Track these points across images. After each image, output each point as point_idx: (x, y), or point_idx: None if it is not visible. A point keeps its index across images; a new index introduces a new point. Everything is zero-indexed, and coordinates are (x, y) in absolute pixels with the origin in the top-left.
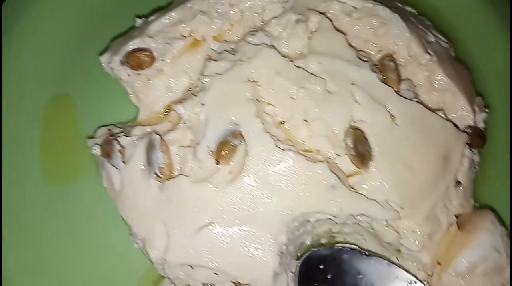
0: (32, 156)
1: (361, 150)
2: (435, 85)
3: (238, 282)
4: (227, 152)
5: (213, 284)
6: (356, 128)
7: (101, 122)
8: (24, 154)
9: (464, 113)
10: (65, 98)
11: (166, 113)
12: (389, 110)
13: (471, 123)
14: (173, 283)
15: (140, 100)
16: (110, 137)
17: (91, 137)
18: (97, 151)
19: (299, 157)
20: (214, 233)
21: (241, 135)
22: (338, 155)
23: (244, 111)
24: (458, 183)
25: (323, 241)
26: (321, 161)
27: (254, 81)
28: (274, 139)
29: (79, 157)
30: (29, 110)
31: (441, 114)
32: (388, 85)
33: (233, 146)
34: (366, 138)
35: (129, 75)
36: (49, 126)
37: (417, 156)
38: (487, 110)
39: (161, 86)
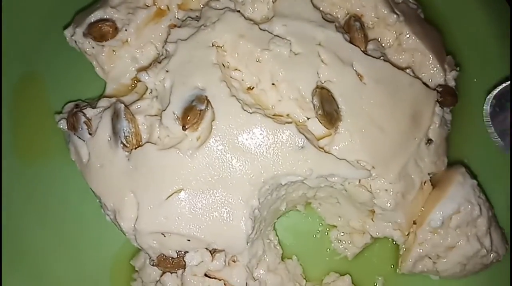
0: (5, 135)
1: (328, 109)
2: (404, 45)
3: (214, 249)
4: (193, 117)
5: (187, 252)
6: (323, 88)
7: (70, 98)
8: None
9: (434, 72)
10: (33, 76)
11: (134, 86)
12: (356, 70)
13: (442, 82)
14: (147, 254)
15: (106, 73)
16: (76, 110)
17: (59, 113)
18: (63, 125)
19: (266, 119)
20: (184, 200)
21: (207, 100)
22: (308, 118)
23: (209, 76)
24: (429, 140)
25: (299, 207)
26: (288, 122)
27: (219, 46)
28: (240, 103)
29: (49, 134)
30: None
31: (410, 73)
32: (354, 45)
33: (199, 111)
34: (333, 98)
35: (93, 47)
36: (18, 104)
37: (386, 114)
38: (457, 68)
39: (126, 58)
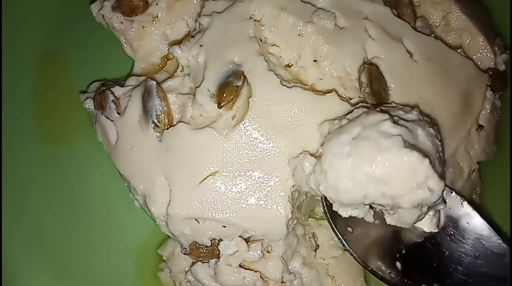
0: (26, 117)
1: (377, 87)
2: (452, 25)
3: (249, 238)
4: (229, 94)
5: (221, 240)
6: (371, 64)
7: (95, 78)
8: (18, 114)
9: (484, 54)
10: (56, 55)
11: (163, 65)
12: (406, 46)
13: (492, 65)
14: (179, 241)
15: (135, 50)
16: (103, 88)
17: (84, 92)
18: (89, 104)
19: (306, 93)
20: (220, 183)
21: (244, 76)
22: (350, 98)
23: (246, 50)
24: (480, 126)
25: None
26: (330, 92)
27: (257, 20)
28: (279, 77)
29: (72, 116)
30: (21, 70)
31: (461, 53)
32: (403, 20)
33: (235, 87)
34: (382, 75)
35: (121, 22)
36: (41, 85)
37: (437, 95)
38: (507, 51)
39: (156, 35)
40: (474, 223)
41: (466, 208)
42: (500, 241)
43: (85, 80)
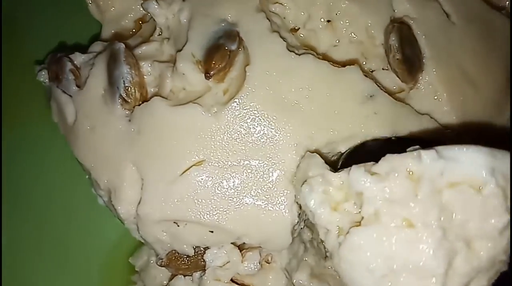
0: None
1: (409, 54)
2: None
3: (244, 245)
4: (220, 61)
5: (208, 248)
6: (402, 23)
7: (55, 48)
8: None
9: None
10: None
11: (137, 30)
12: (442, 5)
13: None
14: (154, 249)
15: (103, 11)
16: (60, 55)
17: (41, 63)
18: (44, 76)
19: (321, 63)
20: (206, 175)
21: (239, 37)
22: (372, 70)
23: (242, 6)
24: None
25: None
26: (350, 64)
27: None
28: (286, 42)
29: (27, 93)
30: None
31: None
32: None
33: (228, 52)
34: (415, 39)
35: None
36: None
37: (479, 65)
38: None
39: None
40: None
41: None
42: None
43: (44, 48)
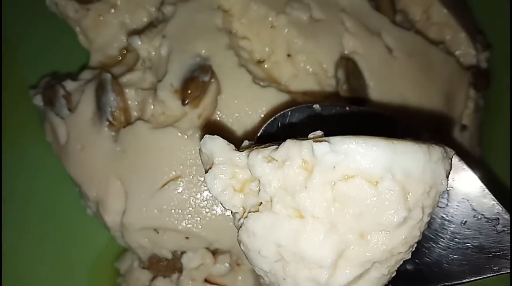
0: None
1: (355, 85)
2: (433, 19)
3: (216, 250)
4: (195, 90)
5: (184, 252)
6: (349, 59)
7: (48, 72)
8: None
9: (466, 51)
10: (6, 47)
11: (122, 58)
12: (385, 41)
13: (474, 63)
14: (136, 254)
15: (91, 41)
16: (53, 82)
17: (35, 87)
18: (38, 100)
19: (281, 94)
20: (182, 189)
21: (212, 70)
22: (327, 97)
23: (214, 43)
24: (464, 126)
25: None
26: (306, 93)
27: (225, 11)
28: (251, 75)
29: (21, 115)
30: None
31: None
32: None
33: (202, 82)
34: (360, 72)
35: (76, 11)
36: None
37: (418, 93)
38: (488, 49)
39: (114, 24)
40: (462, 177)
41: (453, 159)
42: (495, 202)
43: (38, 73)
